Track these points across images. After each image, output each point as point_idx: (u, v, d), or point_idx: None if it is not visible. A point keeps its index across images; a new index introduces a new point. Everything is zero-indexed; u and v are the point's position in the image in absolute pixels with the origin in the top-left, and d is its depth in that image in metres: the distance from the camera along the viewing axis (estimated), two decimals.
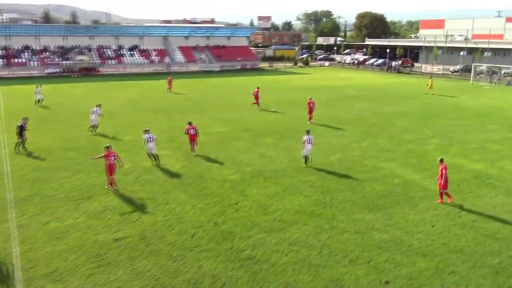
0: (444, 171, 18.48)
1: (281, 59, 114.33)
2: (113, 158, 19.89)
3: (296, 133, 31.60)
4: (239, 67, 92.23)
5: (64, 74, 76.13)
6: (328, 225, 16.75)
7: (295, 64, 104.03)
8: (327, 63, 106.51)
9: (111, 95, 50.64)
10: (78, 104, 44.37)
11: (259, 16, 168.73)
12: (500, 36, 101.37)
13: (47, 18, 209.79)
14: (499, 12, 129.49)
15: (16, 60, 79.15)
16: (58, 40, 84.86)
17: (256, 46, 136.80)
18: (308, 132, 24.33)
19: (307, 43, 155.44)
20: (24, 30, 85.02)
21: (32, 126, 33.32)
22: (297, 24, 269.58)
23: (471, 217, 17.58)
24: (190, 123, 26.00)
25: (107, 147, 20.25)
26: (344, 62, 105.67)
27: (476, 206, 18.68)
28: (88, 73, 78.18)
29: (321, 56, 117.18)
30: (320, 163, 24.33)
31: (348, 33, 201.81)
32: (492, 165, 24.36)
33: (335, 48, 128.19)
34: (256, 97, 42.77)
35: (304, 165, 23.71)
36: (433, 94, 52.01)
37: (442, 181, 18.52)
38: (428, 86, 53.34)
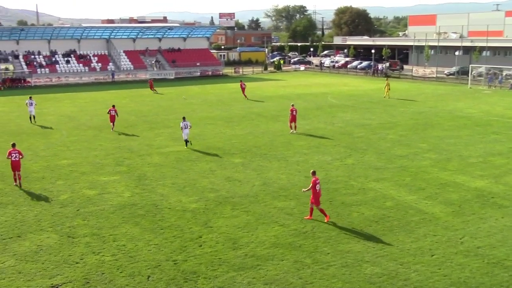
0: (316, 185, 19.84)
1: (248, 63, 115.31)
2: (15, 155, 24.85)
3: (269, 150, 31.84)
4: (198, 73, 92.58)
5: None
6: (310, 259, 16.85)
7: (265, 69, 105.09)
8: (302, 67, 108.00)
9: (43, 111, 49.87)
10: (1, 122, 43.50)
11: (220, 13, 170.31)
12: (500, 33, 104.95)
13: None
14: (498, 5, 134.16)
15: None
16: None
17: (218, 48, 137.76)
18: (184, 118, 32.77)
19: (278, 44, 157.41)
20: None
21: None
22: (265, 22, 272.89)
23: (475, 243, 18.00)
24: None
25: (13, 145, 25.46)
26: (323, 66, 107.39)
27: (480, 230, 19.14)
28: (14, 84, 76.93)
29: (296, 59, 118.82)
30: (298, 185, 24.51)
31: (326, 32, 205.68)
32: (496, 181, 25.06)
33: (311, 49, 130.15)
34: None
35: (186, 147, 32.32)
36: (389, 97, 56.28)
37: (313, 196, 19.95)
38: (385, 89, 57.55)
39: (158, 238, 18.59)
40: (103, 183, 25.33)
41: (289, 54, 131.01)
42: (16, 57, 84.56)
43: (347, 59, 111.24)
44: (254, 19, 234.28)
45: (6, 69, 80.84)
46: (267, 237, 18.55)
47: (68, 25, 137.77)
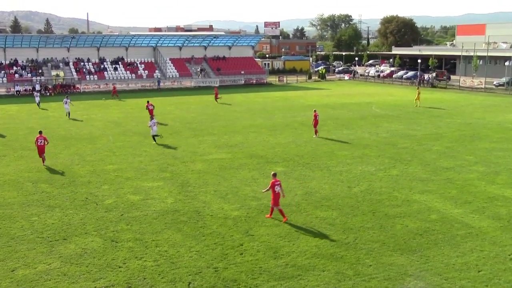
0: (275, 187, 20.86)
1: (292, 72, 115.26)
2: (41, 141, 30.45)
3: (312, 159, 31.66)
4: (242, 81, 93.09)
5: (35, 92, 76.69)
6: (352, 270, 16.60)
7: (309, 77, 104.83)
8: (347, 77, 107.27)
9: (90, 116, 51.07)
10: (51, 127, 44.72)
11: (265, 22, 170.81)
12: None
13: (16, 27, 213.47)
14: None
15: None
16: (30, 52, 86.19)
17: (263, 57, 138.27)
18: (152, 117, 38.42)
19: (323, 53, 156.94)
20: None
21: None
22: (310, 31, 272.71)
23: None
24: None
25: (40, 132, 31.17)
26: (367, 75, 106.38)
27: None
28: (64, 90, 78.97)
29: (340, 68, 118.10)
30: (341, 195, 24.26)
31: (372, 41, 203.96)
32: None
33: (356, 58, 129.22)
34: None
35: (154, 142, 36.54)
36: (419, 106, 57.29)
37: (272, 197, 21.01)
38: (416, 98, 58.65)
39: (199, 245, 18.66)
40: (147, 189, 25.66)
41: (333, 63, 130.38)
42: (67, 64, 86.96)
43: (393, 68, 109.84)
44: (299, 28, 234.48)
45: (57, 75, 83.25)
46: (309, 247, 18.38)
47: (117, 33, 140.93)
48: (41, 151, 30.59)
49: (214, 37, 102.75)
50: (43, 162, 30.65)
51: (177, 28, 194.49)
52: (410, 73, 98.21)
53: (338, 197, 24.05)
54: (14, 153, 34.23)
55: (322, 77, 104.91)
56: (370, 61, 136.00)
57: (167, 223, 20.88)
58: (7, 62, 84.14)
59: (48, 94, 76.15)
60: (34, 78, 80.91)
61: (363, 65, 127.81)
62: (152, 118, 38.38)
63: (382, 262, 17.15)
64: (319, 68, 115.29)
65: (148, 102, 49.49)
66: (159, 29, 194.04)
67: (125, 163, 31.08)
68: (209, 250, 18.24)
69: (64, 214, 22.03)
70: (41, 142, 30.51)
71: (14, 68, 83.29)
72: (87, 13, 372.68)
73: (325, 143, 36.73)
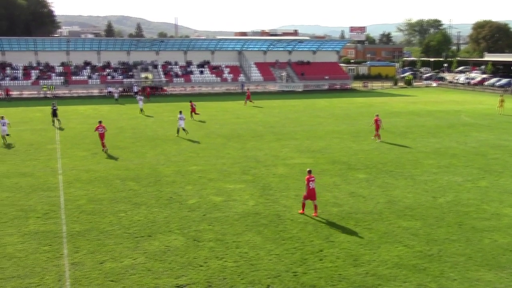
0: (310, 182, 22.16)
1: (377, 78, 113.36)
2: (101, 129, 35.63)
3: (396, 167, 31.02)
4: (326, 87, 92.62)
5: (126, 93, 79.82)
6: (435, 283, 16.10)
7: (395, 84, 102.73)
8: (434, 83, 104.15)
9: (176, 118, 52.48)
10: (139, 127, 46.44)
11: (351, 27, 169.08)
12: None
13: (110, 31, 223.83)
14: None
15: (75, 77, 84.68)
16: (121, 55, 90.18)
17: (348, 62, 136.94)
18: (180, 112, 42.68)
19: (410, 58, 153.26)
20: (84, 45, 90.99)
21: (89, 152, 35.48)
22: (397, 36, 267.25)
23: None
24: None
25: (99, 122, 36.52)
26: (457, 82, 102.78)
27: None
28: (152, 92, 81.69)
29: (428, 75, 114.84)
30: (425, 205, 23.60)
31: (462, 47, 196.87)
32: None
33: (445, 65, 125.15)
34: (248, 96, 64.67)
35: (177, 135, 41.59)
36: (502, 114, 56.10)
37: (306, 192, 22.31)
38: (499, 105, 57.66)
39: (279, 249, 18.76)
40: (229, 191, 26.09)
41: (420, 70, 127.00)
42: (155, 66, 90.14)
43: (484, 75, 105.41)
44: (386, 33, 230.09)
45: (146, 78, 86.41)
46: (390, 257, 18.02)
47: (203, 37, 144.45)
48: (101, 138, 35.85)
49: (299, 42, 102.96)
50: (104, 147, 35.68)
51: (262, 33, 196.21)
52: (504, 81, 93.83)
53: (422, 207, 23.41)
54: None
55: (409, 83, 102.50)
56: (460, 68, 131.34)
57: (248, 225, 21.15)
58: (101, 64, 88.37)
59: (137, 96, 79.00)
60: (124, 80, 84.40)
61: (452, 72, 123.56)
62: (181, 113, 42.90)
63: (468, 277, 16.52)
64: (406, 74, 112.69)
65: (191, 101, 54.09)
66: (244, 34, 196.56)
67: (209, 165, 31.75)
68: (288, 254, 18.30)
69: (150, 211, 22.83)
70: (101, 130, 35.88)
71: (107, 70, 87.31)
72: (176, 18, 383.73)
73: (409, 151, 35.86)
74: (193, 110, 52.20)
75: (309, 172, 22.63)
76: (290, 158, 33.51)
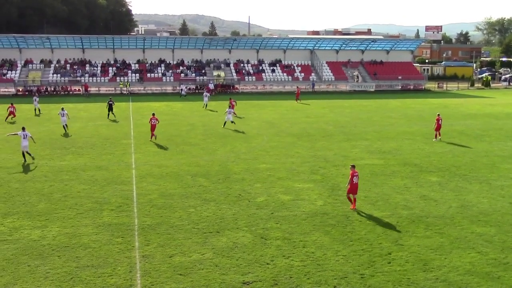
0: (354, 177, 22.72)
1: (453, 78, 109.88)
2: (154, 121, 38.56)
3: (470, 171, 30.01)
4: (399, 87, 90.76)
5: (199, 91, 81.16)
6: None
7: (472, 85, 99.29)
8: None
9: (247, 116, 53.05)
10: (210, 125, 47.21)
11: (426, 26, 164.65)
12: None
13: (184, 30, 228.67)
14: None
15: (150, 74, 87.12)
16: (194, 53, 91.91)
17: (422, 62, 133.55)
18: (229, 106, 47.58)
19: (488, 59, 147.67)
20: (159, 43, 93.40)
21: (161, 147, 36.37)
22: (475, 36, 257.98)
23: None
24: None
25: (153, 114, 39.65)
26: None
27: None
28: (224, 90, 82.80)
29: (507, 76, 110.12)
30: (501, 211, 22.68)
31: None
32: None
33: None
34: None
35: (223, 127, 44.19)
36: None
37: (350, 187, 22.90)
38: None
39: (346, 250, 18.57)
40: (298, 190, 26.07)
41: (500, 70, 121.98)
42: (228, 65, 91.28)
43: None
44: (463, 33, 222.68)
45: (218, 75, 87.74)
46: (462, 263, 17.45)
47: (276, 36, 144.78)
48: (152, 129, 38.64)
49: (372, 41, 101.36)
50: (152, 137, 38.52)
51: (335, 32, 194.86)
52: None
53: (497, 213, 22.50)
54: (176, 147, 36.66)
55: (486, 84, 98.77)
56: None
57: (315, 225, 21.06)
58: (175, 62, 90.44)
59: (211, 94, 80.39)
60: (197, 77, 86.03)
61: None
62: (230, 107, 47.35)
63: None
64: (484, 75, 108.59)
65: (230, 98, 55.09)
66: (317, 32, 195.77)
67: (278, 163, 31.85)
68: (356, 255, 18.09)
69: (218, 208, 23.16)
70: (154, 122, 38.67)
71: (180, 68, 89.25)
72: (249, 17, 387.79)
73: (485, 155, 34.56)
74: (232, 107, 51.28)
75: (353, 167, 23.43)
76: (360, 159, 33.05)
